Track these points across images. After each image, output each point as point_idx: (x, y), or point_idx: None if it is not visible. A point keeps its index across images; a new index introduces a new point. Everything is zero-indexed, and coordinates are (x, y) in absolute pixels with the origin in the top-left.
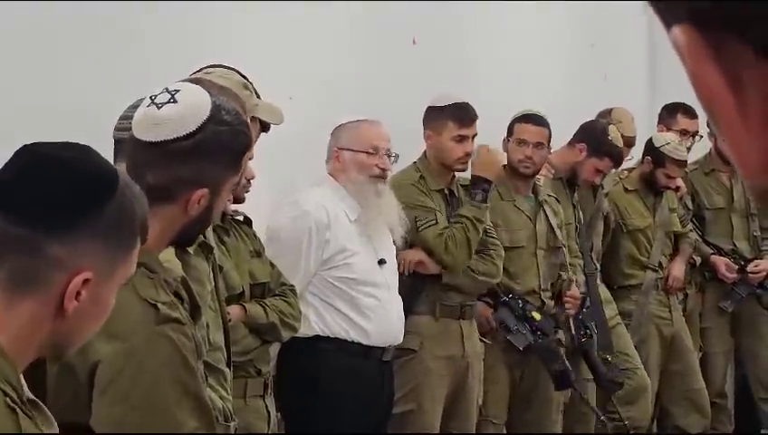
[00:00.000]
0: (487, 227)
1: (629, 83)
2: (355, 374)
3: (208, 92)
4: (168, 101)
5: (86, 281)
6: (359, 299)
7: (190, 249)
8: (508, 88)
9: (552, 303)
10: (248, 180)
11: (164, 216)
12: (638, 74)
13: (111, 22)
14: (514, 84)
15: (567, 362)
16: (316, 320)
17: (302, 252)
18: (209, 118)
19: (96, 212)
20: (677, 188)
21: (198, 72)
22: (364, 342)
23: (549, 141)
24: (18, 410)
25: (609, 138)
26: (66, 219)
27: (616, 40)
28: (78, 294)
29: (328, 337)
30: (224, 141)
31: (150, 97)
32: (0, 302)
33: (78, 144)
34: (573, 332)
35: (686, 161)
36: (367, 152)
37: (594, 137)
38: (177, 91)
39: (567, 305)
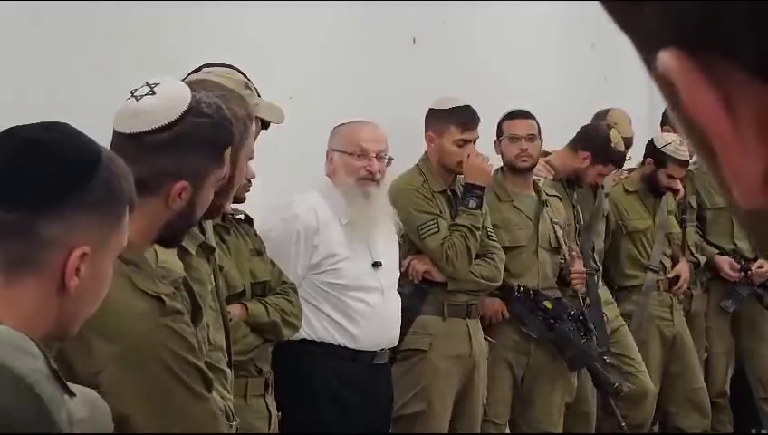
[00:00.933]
0: (488, 229)
1: (630, 84)
2: (343, 378)
3: (190, 87)
4: (147, 94)
5: (83, 255)
6: (348, 304)
7: (191, 250)
8: (508, 88)
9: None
10: (248, 180)
11: (147, 210)
12: (639, 75)
13: (110, 19)
14: (515, 85)
15: (581, 344)
16: (303, 324)
17: (289, 255)
18: (188, 110)
19: (83, 187)
20: (676, 191)
21: (197, 70)
22: (351, 346)
23: (539, 133)
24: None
25: (613, 144)
26: (55, 198)
27: (616, 41)
28: (77, 270)
29: (314, 341)
30: (203, 134)
31: (131, 91)
32: (1, 288)
33: (57, 123)
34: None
35: (687, 161)
36: (355, 154)
37: (598, 145)
38: (157, 84)
39: (574, 282)
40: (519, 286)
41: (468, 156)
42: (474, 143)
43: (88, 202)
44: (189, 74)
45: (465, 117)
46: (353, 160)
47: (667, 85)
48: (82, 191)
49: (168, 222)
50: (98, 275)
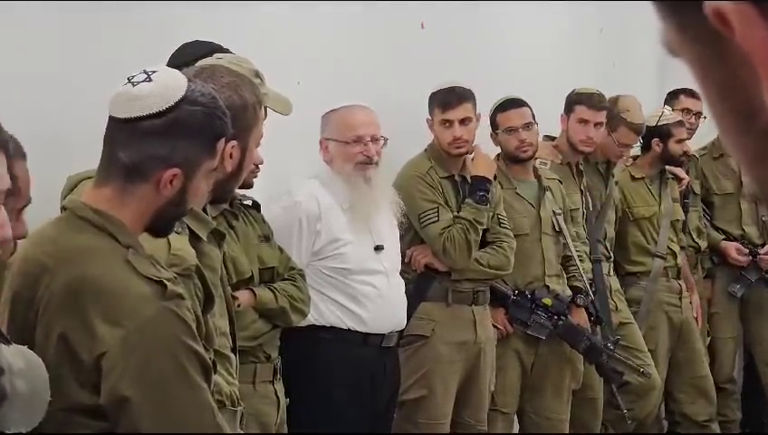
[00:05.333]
0: (500, 216)
1: (638, 69)
2: (353, 362)
3: (198, 73)
4: (144, 81)
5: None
6: (354, 288)
7: (203, 236)
8: (516, 73)
9: (561, 288)
10: (256, 165)
11: (139, 196)
12: (647, 60)
13: (115, 6)
14: (522, 70)
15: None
16: (311, 310)
17: (292, 243)
18: (183, 98)
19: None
20: (681, 180)
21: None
22: (360, 329)
23: (534, 118)
24: None
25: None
26: None
27: (624, 25)
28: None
29: (324, 326)
30: (197, 122)
31: (128, 77)
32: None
33: None
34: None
35: (683, 121)
36: (350, 142)
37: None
38: (155, 71)
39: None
40: (514, 290)
41: (473, 150)
42: (462, 123)
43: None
44: (198, 60)
45: (444, 97)
46: (349, 148)
47: (701, 41)
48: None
49: (159, 210)
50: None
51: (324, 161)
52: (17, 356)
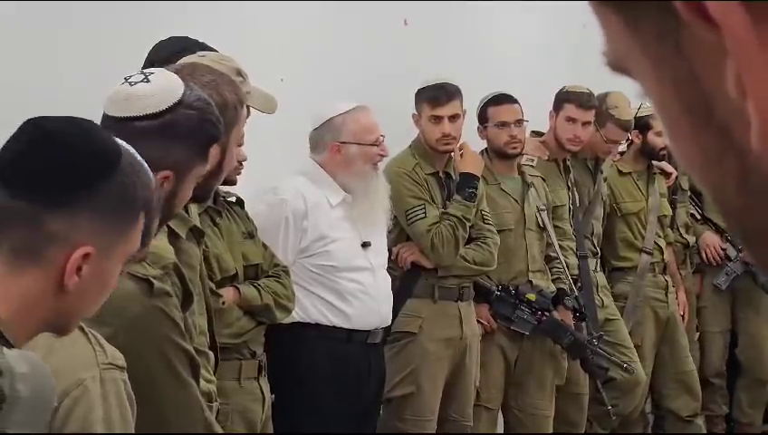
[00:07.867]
0: (483, 212)
1: None
2: (338, 358)
3: (183, 80)
4: (142, 81)
5: (86, 256)
6: (340, 285)
7: (182, 234)
8: (499, 70)
9: (545, 283)
10: (240, 162)
11: None
12: None
13: (98, 5)
14: (506, 66)
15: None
16: (296, 306)
17: (278, 241)
18: (180, 101)
19: (95, 188)
20: (669, 175)
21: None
22: (345, 326)
23: (523, 116)
24: None
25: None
26: (64, 194)
27: None
28: (79, 269)
29: (308, 323)
30: (192, 127)
31: (125, 77)
32: (3, 274)
33: (83, 120)
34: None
35: None
36: (370, 144)
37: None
38: (152, 73)
39: None
40: (498, 286)
41: (462, 147)
42: (451, 119)
43: (98, 204)
44: (174, 56)
45: (434, 93)
46: (371, 150)
47: (656, 36)
48: (92, 192)
49: None
50: (101, 277)
51: (321, 163)
52: (20, 360)
